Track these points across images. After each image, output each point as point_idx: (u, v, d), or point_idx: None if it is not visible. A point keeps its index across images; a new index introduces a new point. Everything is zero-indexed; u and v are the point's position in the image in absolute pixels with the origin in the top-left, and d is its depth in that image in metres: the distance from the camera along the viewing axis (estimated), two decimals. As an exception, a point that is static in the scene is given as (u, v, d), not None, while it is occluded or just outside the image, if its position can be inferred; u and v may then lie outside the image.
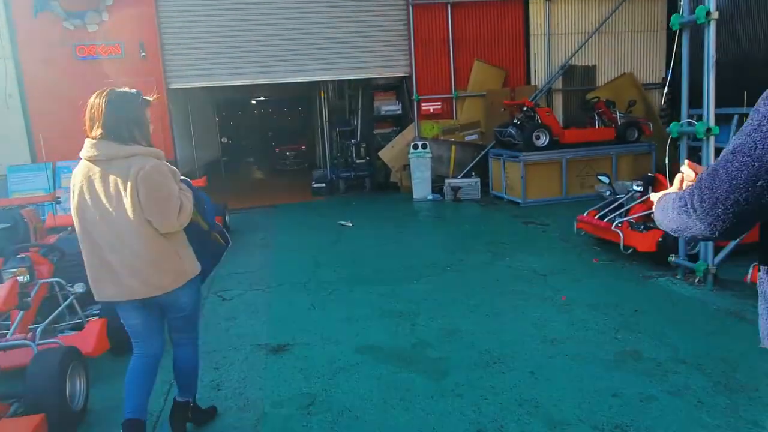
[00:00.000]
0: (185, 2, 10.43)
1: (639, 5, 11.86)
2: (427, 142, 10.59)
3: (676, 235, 1.39)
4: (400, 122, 11.98)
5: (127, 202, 2.44)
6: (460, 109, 11.46)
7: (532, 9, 11.50)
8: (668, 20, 4.49)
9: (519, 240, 6.82)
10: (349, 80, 13.55)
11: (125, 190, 2.43)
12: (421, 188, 10.49)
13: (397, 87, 11.91)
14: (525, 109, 9.28)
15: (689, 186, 1.32)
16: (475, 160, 11.24)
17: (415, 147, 10.50)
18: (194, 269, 2.70)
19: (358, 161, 11.84)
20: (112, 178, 2.45)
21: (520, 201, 9.10)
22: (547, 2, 11.47)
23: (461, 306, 4.71)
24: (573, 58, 11.56)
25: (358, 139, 12.52)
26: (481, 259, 6.14)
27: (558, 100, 11.71)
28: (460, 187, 10.04)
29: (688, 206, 1.26)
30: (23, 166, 10.04)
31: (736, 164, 1.16)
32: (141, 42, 10.16)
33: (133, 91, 2.61)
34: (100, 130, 2.45)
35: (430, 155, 10.50)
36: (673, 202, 1.34)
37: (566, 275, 5.34)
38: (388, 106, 11.74)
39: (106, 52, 10.14)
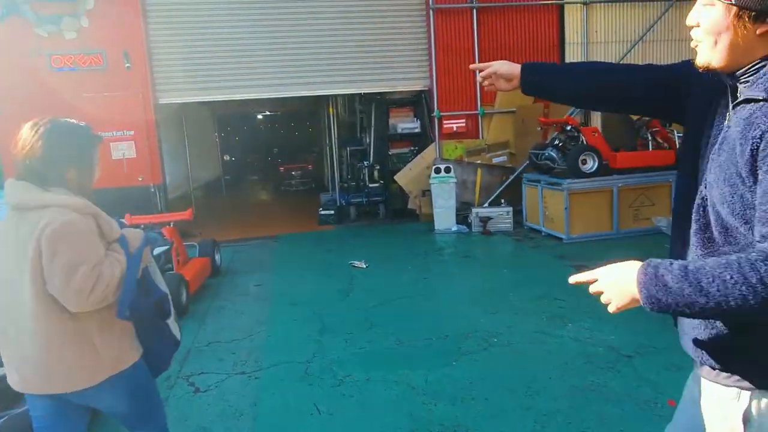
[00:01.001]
0: (176, 6, 9.20)
1: (687, 11, 10.49)
2: (450, 165, 9.25)
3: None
4: (418, 142, 10.66)
5: (26, 266, 1.84)
6: (486, 128, 10.13)
7: (568, 14, 10.19)
8: None
9: (577, 294, 5.42)
10: (361, 95, 12.29)
11: (30, 250, 1.84)
12: (445, 218, 9.13)
13: (415, 102, 10.61)
14: (568, 128, 7.92)
15: None
16: (504, 185, 9.88)
17: (438, 171, 9.16)
18: (120, 361, 1.98)
19: (371, 185, 10.51)
20: (20, 232, 1.87)
21: (563, 236, 7.71)
22: (584, 7, 10.16)
23: (526, 413, 3.32)
24: (614, 70, 10.20)
25: (371, 160, 11.19)
26: (534, 324, 4.75)
27: (596, 118, 10.34)
28: (489, 218, 8.67)
29: None
30: (-11, 191, 8.78)
31: None
32: (125, 51, 8.93)
33: (82, 124, 2.05)
34: (22, 169, 1.91)
35: (454, 180, 9.15)
36: (740, 272, 1.07)
37: (660, 357, 3.94)
38: (405, 124, 10.43)
39: (86, 63, 8.91)
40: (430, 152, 10.09)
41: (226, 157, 19.64)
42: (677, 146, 8.12)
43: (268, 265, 7.47)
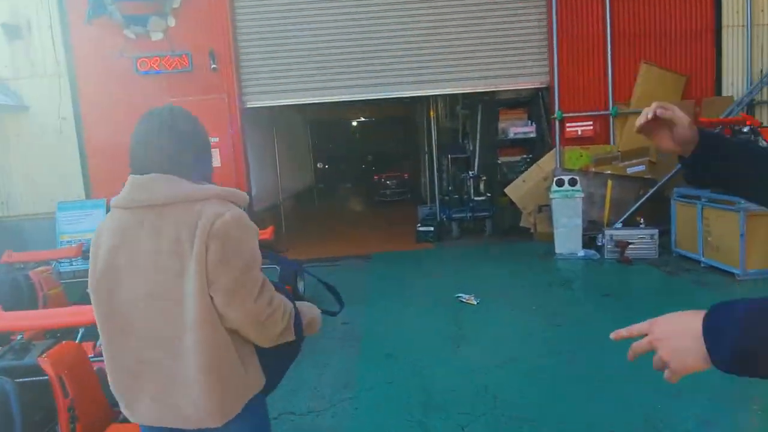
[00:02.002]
0: (267, 1, 8.40)
1: None
2: (576, 177, 7.67)
3: None
4: (533, 148, 9.14)
5: (192, 269, 1.50)
6: (619, 132, 8.42)
7: (727, -11, 8.26)
8: None
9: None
10: (464, 95, 10.96)
11: (190, 250, 1.50)
12: (568, 240, 7.57)
13: (530, 102, 9.11)
14: (745, 130, 6.10)
15: None
16: (642, 200, 8.12)
17: (560, 183, 7.62)
18: (259, 383, 1.69)
19: (476, 198, 9.14)
20: (169, 232, 1.53)
21: (737, 271, 5.91)
22: (749, -20, 8.17)
23: None
24: (789, 58, 8.14)
25: (476, 169, 9.82)
26: (744, 423, 3.19)
27: (764, 118, 8.30)
28: (629, 243, 6.99)
29: None
30: (75, 202, 8.41)
31: None
32: (211, 51, 8.23)
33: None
34: (156, 162, 1.59)
35: (581, 195, 7.56)
36: None
37: None
38: (518, 128, 8.95)
39: (172, 65, 8.31)
40: (548, 161, 8.54)
41: (319, 165, 18.99)
42: None
43: (359, 294, 6.32)
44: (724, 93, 8.36)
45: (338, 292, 2.07)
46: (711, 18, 8.28)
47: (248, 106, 8.63)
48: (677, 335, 0.90)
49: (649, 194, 8.13)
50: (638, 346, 0.94)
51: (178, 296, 1.53)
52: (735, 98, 8.26)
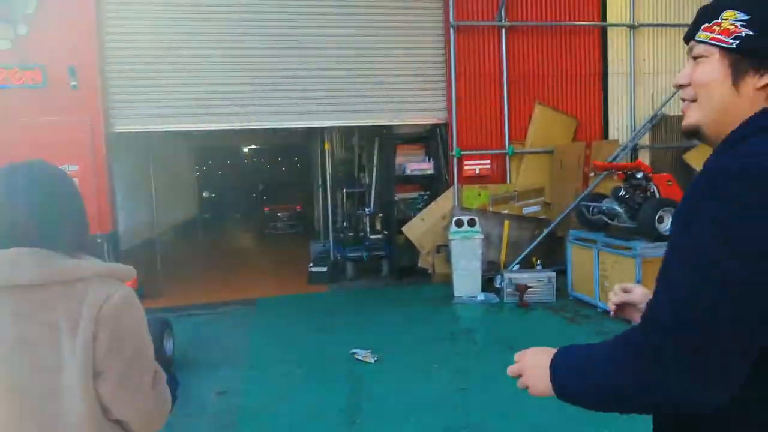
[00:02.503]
0: (141, 14, 7.44)
1: (749, 39, 8.97)
2: (475, 218, 7.42)
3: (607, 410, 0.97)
4: (430, 185, 8.85)
5: (73, 360, 1.31)
6: (515, 170, 8.37)
7: (612, 39, 8.60)
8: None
9: None
10: (360, 127, 10.55)
11: (71, 338, 1.31)
12: (467, 283, 7.26)
13: (428, 138, 8.85)
14: (639, 176, 6.14)
15: (638, 324, 0.95)
16: (537, 241, 8.06)
17: (459, 224, 7.33)
18: None
19: (372, 236, 8.64)
20: (40, 319, 1.32)
21: (634, 318, 5.84)
22: (630, 31, 8.57)
23: None
24: (666, 106, 8.57)
25: (372, 206, 9.36)
26: None
27: (646, 162, 8.64)
28: (528, 287, 6.79)
29: (658, 359, 0.87)
30: None
31: (737, 247, 0.84)
32: (72, 67, 7.10)
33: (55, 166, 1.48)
34: (20, 232, 1.34)
35: (481, 236, 7.31)
36: (609, 355, 0.96)
37: None
38: (416, 164, 8.63)
39: (20, 80, 7.07)
40: (446, 199, 8.28)
41: (206, 194, 17.71)
42: None
43: (239, 353, 5.49)
44: (611, 137, 8.63)
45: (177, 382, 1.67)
46: (599, 64, 8.56)
47: (117, 130, 7.54)
48: (535, 366, 1.10)
49: (543, 235, 8.09)
50: (510, 370, 1.17)
51: (51, 390, 1.34)
52: (621, 142, 8.55)
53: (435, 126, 8.56)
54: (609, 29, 8.55)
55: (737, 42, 0.99)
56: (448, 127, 8.28)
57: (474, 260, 7.26)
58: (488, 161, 8.23)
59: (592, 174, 7.29)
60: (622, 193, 6.15)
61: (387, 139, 8.90)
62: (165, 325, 5.10)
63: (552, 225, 8.14)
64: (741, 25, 0.99)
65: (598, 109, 8.61)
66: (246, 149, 23.35)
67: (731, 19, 1.01)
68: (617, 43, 8.59)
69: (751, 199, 0.86)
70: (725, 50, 1.00)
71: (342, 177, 10.60)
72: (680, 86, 1.08)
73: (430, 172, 8.58)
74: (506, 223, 8.11)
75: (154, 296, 7.84)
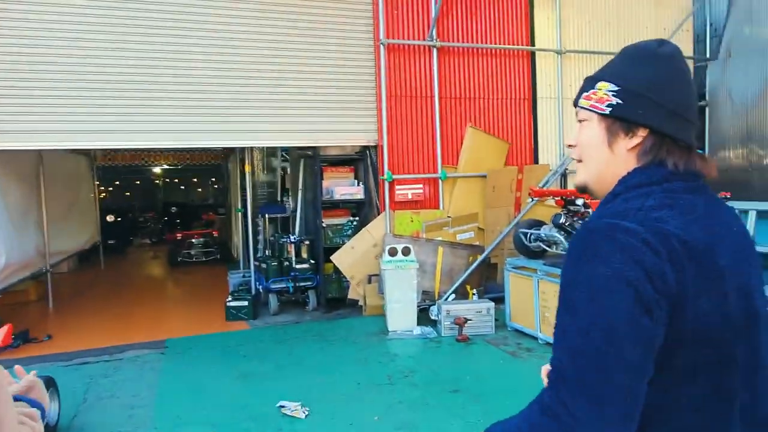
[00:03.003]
0: (26, 19, 6.45)
1: (666, 68, 9.27)
2: (409, 246, 6.97)
3: None
4: (359, 211, 8.34)
5: None
6: (448, 196, 8.05)
7: (540, 64, 8.57)
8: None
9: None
10: (284, 148, 9.97)
11: None
12: (402, 316, 6.77)
13: (357, 161, 8.36)
14: (580, 202, 5.94)
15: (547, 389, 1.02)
16: (472, 268, 7.73)
17: (393, 252, 6.85)
18: None
19: (298, 266, 7.97)
20: None
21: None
22: (558, 57, 8.59)
23: None
24: (593, 131, 8.60)
25: (297, 232, 8.71)
26: None
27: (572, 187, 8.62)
28: (467, 320, 6.39)
29: (561, 410, 0.96)
30: None
31: (612, 301, 0.96)
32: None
33: None
34: None
35: (416, 266, 6.86)
36: (525, 419, 1.03)
37: None
38: (345, 188, 8.10)
39: None
40: (377, 226, 7.79)
41: (110, 218, 16.19)
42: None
43: (142, 413, 4.64)
44: (541, 161, 8.55)
45: None
46: (529, 89, 8.48)
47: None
48: None
49: (478, 262, 7.78)
50: None
51: None
52: (551, 167, 8.48)
53: (365, 148, 8.10)
54: (537, 54, 8.51)
55: (609, 109, 1.13)
56: (379, 149, 7.84)
57: (409, 291, 6.79)
58: (421, 186, 7.86)
59: (530, 199, 7.09)
60: (562, 220, 5.93)
61: (313, 161, 8.32)
62: (47, 384, 4.18)
63: (487, 252, 7.87)
64: (612, 95, 1.13)
65: (528, 133, 8.52)
66: (157, 169, 21.86)
67: (604, 89, 1.14)
68: (545, 67, 8.58)
69: (609, 255, 0.98)
70: (600, 116, 1.14)
71: (264, 201, 9.86)
72: (570, 146, 1.23)
73: (359, 196, 8.07)
74: (440, 250, 7.74)
75: (42, 342, 6.75)
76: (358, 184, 8.20)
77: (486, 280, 8.14)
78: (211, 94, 7.07)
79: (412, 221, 7.76)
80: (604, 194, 1.14)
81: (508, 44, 8.31)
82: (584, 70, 8.75)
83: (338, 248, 7.92)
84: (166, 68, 6.87)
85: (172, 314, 8.11)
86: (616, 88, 1.12)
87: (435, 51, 7.88)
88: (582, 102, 1.18)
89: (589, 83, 1.18)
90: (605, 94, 1.13)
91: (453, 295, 7.42)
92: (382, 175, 7.71)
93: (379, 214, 7.89)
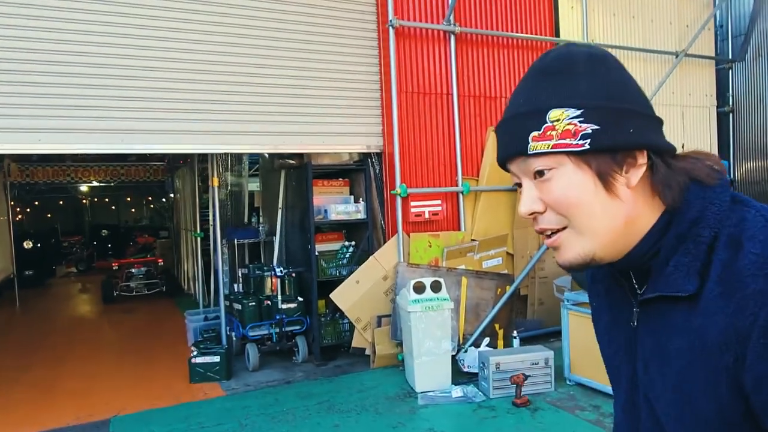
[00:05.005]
0: None
1: (692, 69, 8.31)
2: (440, 280, 5.40)
3: None
4: (357, 233, 6.71)
5: None
6: (470, 214, 6.57)
7: (565, 59, 7.29)
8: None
9: None
10: (257, 156, 8.26)
11: None
12: (434, 373, 5.19)
13: (354, 172, 6.75)
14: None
15: None
16: (500, 303, 6.26)
17: (419, 289, 5.26)
18: None
19: (284, 306, 6.22)
20: None
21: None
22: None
23: None
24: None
25: (276, 261, 6.97)
26: None
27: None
28: (526, 376, 4.86)
29: None
30: None
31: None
32: None
33: None
34: None
35: (451, 305, 5.31)
36: None
37: None
38: (342, 206, 6.45)
39: None
40: (387, 253, 6.18)
41: (27, 245, 13.65)
42: None
43: None
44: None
45: None
46: (553, 87, 7.20)
47: None
48: None
49: (509, 294, 6.33)
50: None
51: None
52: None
53: (365, 156, 6.51)
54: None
55: (587, 141, 0.78)
56: (386, 157, 6.28)
57: (443, 340, 5.21)
58: (439, 202, 6.34)
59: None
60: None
61: (299, 173, 6.64)
62: None
63: (517, 282, 6.45)
64: (579, 122, 0.79)
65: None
66: (84, 187, 19.19)
67: (564, 118, 0.79)
68: (572, 63, 7.32)
69: None
70: (576, 156, 0.79)
71: (232, 222, 8.04)
72: (534, 214, 0.84)
73: (360, 216, 6.44)
74: (464, 281, 6.22)
75: None
76: (357, 201, 6.58)
77: (515, 316, 6.70)
78: (161, 92, 5.30)
79: (430, 246, 6.21)
80: (620, 255, 0.82)
81: (532, 34, 7.01)
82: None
83: (330, 282, 6.27)
84: (113, 53, 5.04)
85: (115, 377, 6.09)
86: (578, 112, 0.78)
87: (453, 38, 6.44)
88: (535, 146, 0.80)
89: (531, 118, 0.80)
90: (570, 124, 0.79)
91: (487, 339, 5.91)
92: (393, 189, 6.13)
93: (385, 238, 6.29)
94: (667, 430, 0.83)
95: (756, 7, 8.25)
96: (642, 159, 0.80)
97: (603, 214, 0.79)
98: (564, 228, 0.82)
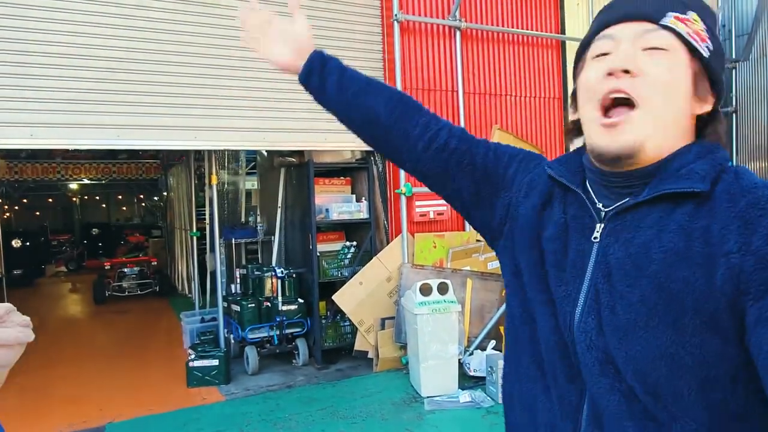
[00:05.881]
0: None
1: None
2: (447, 282, 5.26)
3: None
4: (358, 233, 6.55)
5: None
6: (475, 213, 6.41)
7: (571, 57, 7.16)
8: None
9: None
10: (261, 154, 8.09)
11: None
12: (440, 377, 5.05)
13: (356, 170, 6.59)
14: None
15: None
16: (505, 306, 6.11)
17: (426, 291, 5.12)
18: None
19: (284, 308, 6.04)
20: None
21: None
22: (590, 49, 7.25)
23: None
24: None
25: (275, 262, 6.79)
26: None
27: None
28: (537, 381, 4.75)
29: None
30: None
31: None
32: None
33: None
34: None
35: (458, 308, 5.17)
36: None
37: None
38: (344, 205, 6.29)
39: None
40: (391, 253, 6.03)
41: (16, 243, 13.35)
42: None
43: None
44: (575, 172, 7.14)
45: None
46: (559, 86, 7.09)
47: None
48: None
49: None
50: None
51: None
52: (587, 179, 7.09)
53: (368, 154, 6.35)
54: (568, 47, 7.15)
55: (708, 53, 0.85)
56: (390, 155, 6.11)
57: (450, 344, 5.07)
58: (444, 201, 6.19)
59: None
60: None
61: (300, 171, 6.47)
62: None
63: (522, 283, 6.29)
64: (707, 36, 0.86)
65: (559, 138, 7.09)
66: (73, 185, 18.88)
67: (699, 23, 0.85)
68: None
69: None
70: (692, 55, 0.85)
71: (229, 220, 7.85)
72: (624, 72, 0.83)
73: (363, 216, 6.28)
74: (469, 282, 6.08)
75: None
76: (359, 200, 6.42)
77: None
78: (158, 86, 5.11)
79: (435, 247, 6.06)
80: (651, 162, 0.85)
81: (537, 30, 6.88)
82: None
83: (331, 283, 6.11)
84: (108, 45, 4.85)
85: (109, 381, 5.88)
86: (707, 28, 0.86)
87: (458, 34, 6.30)
88: (672, 22, 0.84)
89: (677, 4, 0.85)
90: (702, 30, 0.85)
91: (493, 342, 5.77)
92: (398, 188, 5.98)
93: (388, 238, 6.14)
94: (616, 338, 0.84)
95: (760, 6, 8.17)
96: (710, 101, 0.88)
97: (676, 111, 0.85)
98: (631, 108, 0.83)
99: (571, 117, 0.99)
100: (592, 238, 0.90)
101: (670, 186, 0.82)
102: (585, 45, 0.93)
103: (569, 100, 1.00)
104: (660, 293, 0.79)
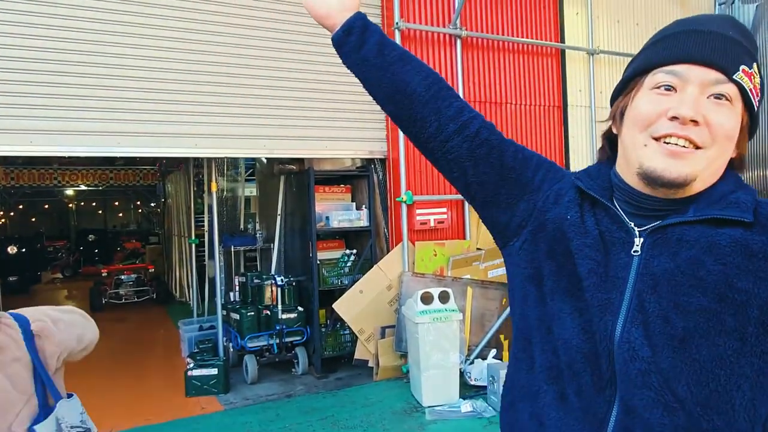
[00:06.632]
0: None
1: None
2: (448, 291, 5.24)
3: None
4: (358, 241, 6.53)
5: None
6: (474, 222, 6.42)
7: (570, 66, 7.22)
8: None
9: None
10: (249, 163, 8.05)
11: None
12: (441, 387, 5.01)
13: (357, 178, 6.58)
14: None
15: None
16: (506, 313, 6.10)
17: (427, 300, 5.09)
18: None
19: (284, 316, 6.01)
20: None
21: None
22: (590, 57, 7.30)
23: None
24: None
25: (274, 269, 6.76)
26: None
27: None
28: (539, 391, 4.72)
29: None
30: None
31: None
32: None
33: None
34: None
35: (459, 316, 5.15)
36: None
37: None
38: (344, 213, 6.27)
39: None
40: (392, 262, 6.01)
41: (12, 249, 13.27)
42: None
43: None
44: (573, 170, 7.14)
45: None
46: (559, 94, 7.10)
47: None
48: None
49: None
50: None
51: None
52: (587, 187, 7.09)
53: (368, 162, 6.34)
54: (567, 56, 7.16)
55: (757, 105, 0.93)
56: (390, 162, 6.11)
57: (452, 353, 5.04)
58: (445, 209, 6.19)
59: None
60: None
61: (301, 178, 6.45)
62: None
63: (522, 292, 6.27)
64: (759, 89, 0.94)
65: (559, 146, 7.10)
66: (70, 191, 18.80)
67: (757, 77, 0.92)
68: (576, 71, 7.24)
69: None
70: (746, 106, 0.92)
71: (228, 228, 7.82)
72: (692, 122, 0.88)
73: (363, 223, 6.26)
74: (469, 291, 6.06)
75: None
76: (359, 208, 6.40)
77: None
78: (160, 93, 5.10)
79: (435, 255, 6.05)
80: (688, 194, 0.93)
81: (537, 39, 6.91)
82: (616, 75, 7.50)
83: (331, 291, 6.09)
84: (110, 52, 4.83)
85: (106, 390, 5.82)
86: (760, 82, 0.94)
87: (459, 42, 6.31)
88: (741, 76, 0.89)
89: (744, 54, 0.90)
90: (758, 85, 0.93)
91: (494, 350, 5.75)
92: (399, 197, 5.96)
93: (389, 246, 6.12)
94: (670, 348, 0.85)
95: (758, 14, 8.23)
96: (746, 143, 0.97)
97: (726, 155, 0.93)
98: (698, 148, 0.89)
99: (612, 129, 1.04)
100: (632, 252, 0.93)
101: (718, 212, 0.89)
102: (644, 70, 0.95)
103: (611, 113, 1.03)
104: (722, 303, 0.83)
